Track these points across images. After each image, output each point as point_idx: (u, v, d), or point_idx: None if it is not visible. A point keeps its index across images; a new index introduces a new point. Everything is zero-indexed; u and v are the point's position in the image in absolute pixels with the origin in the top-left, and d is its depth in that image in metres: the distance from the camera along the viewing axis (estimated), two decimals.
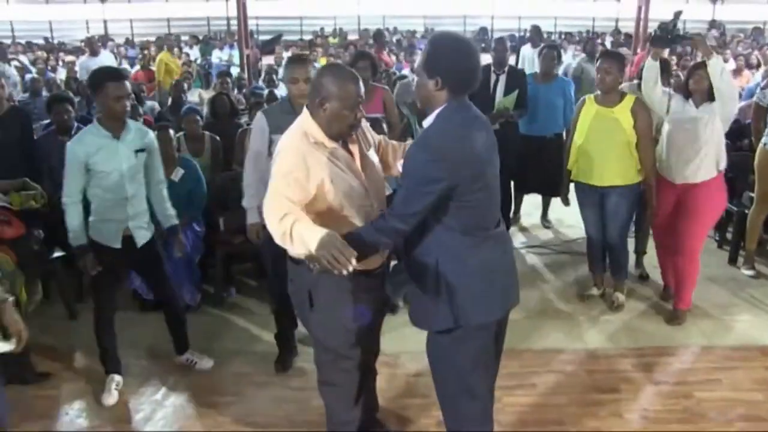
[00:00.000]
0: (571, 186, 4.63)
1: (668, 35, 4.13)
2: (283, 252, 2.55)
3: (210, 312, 4.69)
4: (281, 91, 8.46)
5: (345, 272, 2.13)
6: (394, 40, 18.25)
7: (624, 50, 8.91)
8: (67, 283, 4.64)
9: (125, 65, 11.63)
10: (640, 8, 9.94)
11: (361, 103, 2.48)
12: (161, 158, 4.53)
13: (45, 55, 14.38)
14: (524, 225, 6.31)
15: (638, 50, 9.65)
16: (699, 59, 4.39)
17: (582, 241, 5.17)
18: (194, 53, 15.23)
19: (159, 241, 3.76)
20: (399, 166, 2.84)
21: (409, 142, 2.99)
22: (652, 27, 4.22)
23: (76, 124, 5.03)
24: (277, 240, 2.35)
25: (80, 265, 3.44)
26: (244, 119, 6.26)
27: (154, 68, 10.86)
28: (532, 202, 6.34)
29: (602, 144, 4.24)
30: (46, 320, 4.39)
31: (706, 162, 4.14)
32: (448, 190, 2.28)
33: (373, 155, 2.69)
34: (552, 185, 5.14)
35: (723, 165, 4.20)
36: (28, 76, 9.60)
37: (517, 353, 3.92)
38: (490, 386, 2.76)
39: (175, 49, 14.56)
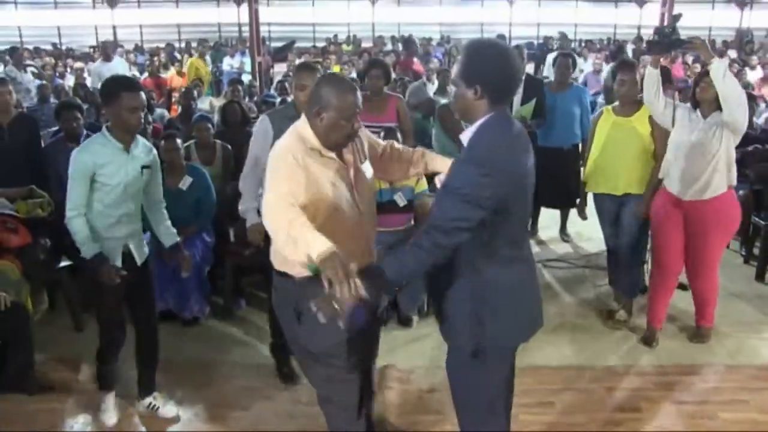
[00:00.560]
0: (590, 199, 4.57)
1: (666, 40, 3.84)
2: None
3: (219, 324, 4.62)
4: None
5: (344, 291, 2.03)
6: None
7: (646, 58, 8.77)
8: (74, 293, 4.56)
9: (134, 72, 11.59)
10: (662, 15, 9.80)
11: (359, 114, 2.50)
12: (169, 166, 4.53)
13: (53, 61, 14.38)
14: (542, 238, 6.22)
15: (680, 58, 9.45)
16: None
17: (601, 254, 5.10)
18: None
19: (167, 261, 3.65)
20: (410, 171, 2.91)
21: (419, 148, 2.97)
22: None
23: (84, 132, 4.98)
24: (279, 244, 2.32)
25: (102, 277, 3.16)
26: (255, 128, 6.18)
27: (164, 75, 10.83)
28: (549, 215, 6.25)
29: (620, 153, 4.24)
30: (52, 330, 4.38)
31: (716, 177, 3.86)
32: (495, 205, 2.19)
33: (367, 167, 2.68)
34: (570, 198, 5.09)
35: (734, 179, 3.94)
36: (35, 83, 9.58)
37: (534, 370, 3.84)
38: (509, 403, 2.71)
39: (186, 56, 14.58)
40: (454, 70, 2.34)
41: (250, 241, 3.76)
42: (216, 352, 4.16)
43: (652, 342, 4.20)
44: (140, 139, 3.33)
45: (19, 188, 4.28)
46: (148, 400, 3.60)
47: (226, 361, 4.08)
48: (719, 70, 3.67)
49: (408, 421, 3.49)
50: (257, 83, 9.84)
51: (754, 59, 12.29)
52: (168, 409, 3.60)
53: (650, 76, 3.95)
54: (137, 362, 3.59)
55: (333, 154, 2.50)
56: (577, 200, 4.63)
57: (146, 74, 10.44)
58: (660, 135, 4.14)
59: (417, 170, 2.92)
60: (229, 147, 5.48)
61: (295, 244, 2.18)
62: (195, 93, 7.78)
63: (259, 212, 3.57)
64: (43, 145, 5.18)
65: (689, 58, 11.35)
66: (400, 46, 18.06)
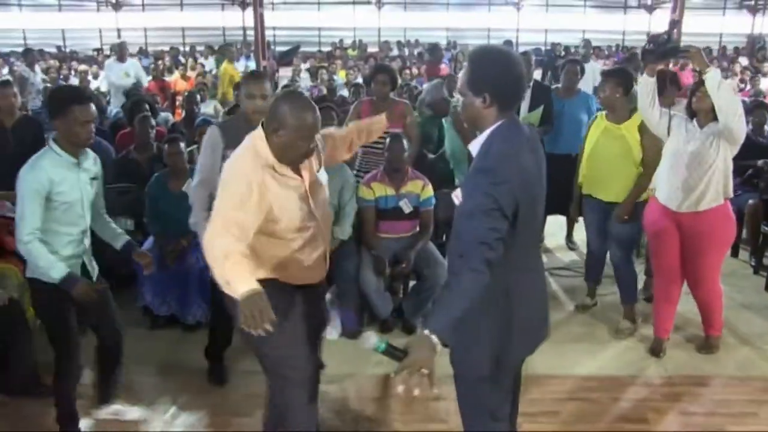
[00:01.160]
0: None
1: (660, 48, 3.77)
2: None
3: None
4: None
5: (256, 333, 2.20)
6: (415, 53, 18.15)
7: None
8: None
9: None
10: (672, 21, 9.69)
11: (317, 134, 2.52)
12: (172, 170, 4.52)
13: (57, 63, 14.37)
14: (548, 246, 6.17)
15: (671, 66, 9.36)
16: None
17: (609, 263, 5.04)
18: (209, 64, 15.18)
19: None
20: (353, 148, 3.08)
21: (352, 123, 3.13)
22: (687, 41, 4.02)
23: None
24: (213, 271, 2.37)
25: (76, 295, 2.99)
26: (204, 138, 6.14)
27: (168, 79, 10.81)
28: (556, 223, 6.17)
29: (608, 160, 4.30)
30: None
31: (711, 189, 3.80)
32: (512, 213, 2.15)
33: (322, 175, 2.71)
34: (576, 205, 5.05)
35: (730, 192, 3.88)
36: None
37: (540, 379, 3.80)
38: (514, 409, 2.73)
39: (190, 60, 14.55)
40: (461, 79, 2.32)
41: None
42: None
43: (659, 352, 4.16)
44: (87, 149, 3.17)
45: None
46: (111, 407, 3.49)
47: (230, 367, 4.03)
48: (714, 80, 3.61)
49: (414, 429, 3.45)
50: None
51: (767, 66, 12.21)
52: (133, 412, 3.53)
53: (645, 84, 3.88)
54: (99, 371, 3.45)
55: (288, 171, 2.51)
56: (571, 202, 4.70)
57: (150, 77, 10.43)
58: (650, 144, 4.16)
59: (360, 141, 3.05)
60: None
61: (227, 284, 2.28)
62: (199, 97, 7.76)
63: None
64: None
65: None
66: (406, 51, 18.06)
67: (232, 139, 3.35)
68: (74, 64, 15.01)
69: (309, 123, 2.43)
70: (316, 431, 2.91)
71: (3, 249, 3.87)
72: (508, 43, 21.28)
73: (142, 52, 18.46)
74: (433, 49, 11.16)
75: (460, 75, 2.34)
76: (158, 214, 4.55)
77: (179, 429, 3.51)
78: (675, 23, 3.86)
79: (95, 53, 18.56)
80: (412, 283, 4.73)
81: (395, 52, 18.16)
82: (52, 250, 2.99)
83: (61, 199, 2.99)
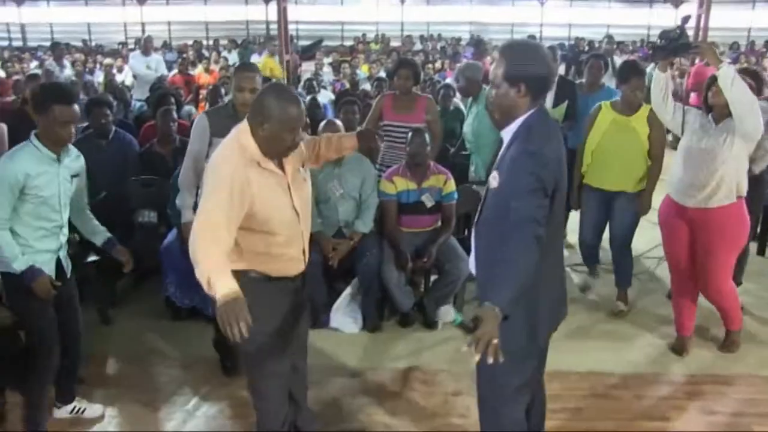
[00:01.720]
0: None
1: (672, 44, 3.70)
2: None
3: None
4: (323, 98, 8.40)
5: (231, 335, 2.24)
6: (438, 47, 18.10)
7: (681, 60, 8.51)
8: (101, 288, 4.59)
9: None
10: (699, 16, 9.45)
11: (302, 126, 2.53)
12: None
13: (83, 57, 14.53)
14: (570, 242, 6.10)
15: (696, 60, 9.15)
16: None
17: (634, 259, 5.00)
18: (233, 58, 15.24)
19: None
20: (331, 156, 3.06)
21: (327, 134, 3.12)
22: (713, 36, 3.96)
23: (113, 128, 5.00)
24: (195, 270, 2.39)
25: (37, 290, 3.00)
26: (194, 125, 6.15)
27: (192, 72, 10.87)
28: (578, 219, 6.12)
29: (616, 150, 4.37)
30: None
31: (723, 186, 3.72)
32: (551, 193, 2.33)
33: (305, 173, 2.76)
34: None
35: (744, 190, 3.79)
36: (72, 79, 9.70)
37: (561, 375, 3.78)
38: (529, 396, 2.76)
39: (213, 53, 14.62)
40: (494, 71, 2.41)
41: (185, 238, 3.60)
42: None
43: (682, 351, 4.12)
44: (69, 146, 3.15)
45: None
46: (71, 405, 3.49)
47: None
48: (727, 75, 3.54)
49: (432, 424, 3.45)
50: (285, 81, 9.83)
51: None
52: (94, 410, 3.53)
53: (658, 80, 3.86)
54: (59, 375, 3.36)
55: (272, 165, 2.54)
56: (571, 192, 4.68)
57: (175, 71, 10.49)
58: (657, 137, 4.32)
59: (327, 154, 3.01)
60: None
61: (208, 284, 2.31)
62: (223, 90, 7.79)
63: (195, 209, 3.58)
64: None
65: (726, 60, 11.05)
66: (429, 46, 18.00)
67: (218, 127, 3.49)
68: (99, 57, 15.16)
69: (294, 115, 2.46)
70: (285, 430, 2.90)
71: None
72: (532, 38, 21.21)
73: (166, 46, 18.59)
74: (478, 43, 11.11)
75: (492, 68, 2.45)
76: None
77: (201, 420, 3.53)
78: (687, 18, 3.74)
79: (120, 47, 18.73)
80: (433, 277, 4.73)
81: (418, 46, 18.11)
82: (25, 243, 3.00)
83: (36, 193, 2.97)
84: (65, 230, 3.19)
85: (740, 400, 3.67)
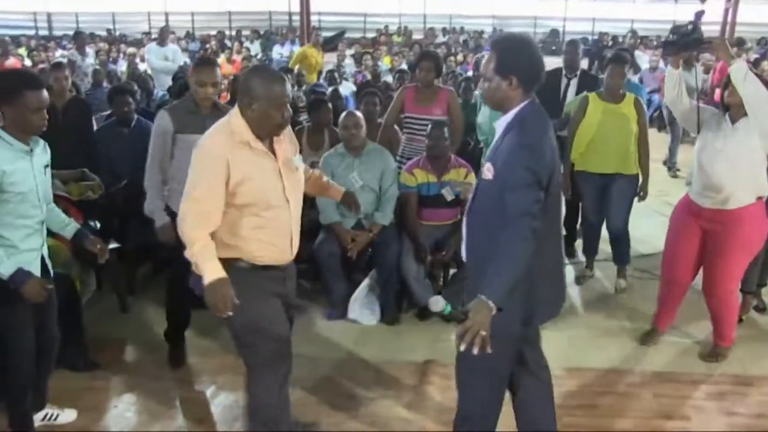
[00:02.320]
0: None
1: (683, 39, 3.57)
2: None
3: None
4: (344, 89, 8.38)
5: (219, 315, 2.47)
6: (460, 40, 18.02)
7: (706, 56, 8.32)
8: (120, 275, 4.63)
9: (186, 59, 11.74)
10: (726, 11, 9.26)
11: (288, 103, 2.60)
12: None
13: (107, 46, 14.63)
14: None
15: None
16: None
17: (652, 256, 5.02)
18: (255, 48, 15.27)
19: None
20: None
21: (334, 184, 3.29)
22: (741, 31, 3.87)
23: (136, 117, 5.03)
24: (186, 250, 2.54)
25: (28, 294, 2.79)
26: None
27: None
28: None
29: (612, 136, 4.65)
30: (98, 312, 4.41)
31: (741, 187, 3.60)
32: (546, 185, 2.37)
33: (298, 160, 2.80)
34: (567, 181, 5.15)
35: (765, 191, 3.68)
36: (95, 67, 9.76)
37: (578, 371, 3.76)
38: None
39: (236, 44, 14.66)
40: (486, 65, 2.48)
41: (162, 241, 3.62)
42: None
43: (649, 341, 4.14)
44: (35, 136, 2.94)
45: (72, 170, 4.33)
46: (42, 413, 3.30)
47: None
48: (739, 72, 3.43)
49: (448, 417, 3.42)
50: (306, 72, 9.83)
51: None
52: (66, 415, 3.38)
53: (670, 77, 3.73)
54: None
55: (262, 146, 2.60)
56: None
57: None
58: (644, 122, 4.69)
59: (312, 191, 3.15)
60: None
61: (196, 266, 2.51)
62: None
63: (166, 210, 3.60)
64: (95, 128, 5.26)
65: (751, 56, 10.84)
66: (451, 38, 17.94)
67: (180, 122, 3.48)
68: (123, 47, 15.27)
69: (279, 92, 2.54)
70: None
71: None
72: (554, 32, 21.07)
73: (189, 36, 18.69)
74: (554, 34, 11.04)
75: (484, 61, 2.53)
76: None
77: (217, 409, 3.54)
78: (701, 13, 3.60)
79: (143, 36, 18.86)
80: (452, 271, 4.71)
81: (441, 39, 18.06)
82: (11, 244, 2.80)
83: (15, 189, 2.76)
84: (45, 226, 3.02)
85: (762, 401, 3.61)
